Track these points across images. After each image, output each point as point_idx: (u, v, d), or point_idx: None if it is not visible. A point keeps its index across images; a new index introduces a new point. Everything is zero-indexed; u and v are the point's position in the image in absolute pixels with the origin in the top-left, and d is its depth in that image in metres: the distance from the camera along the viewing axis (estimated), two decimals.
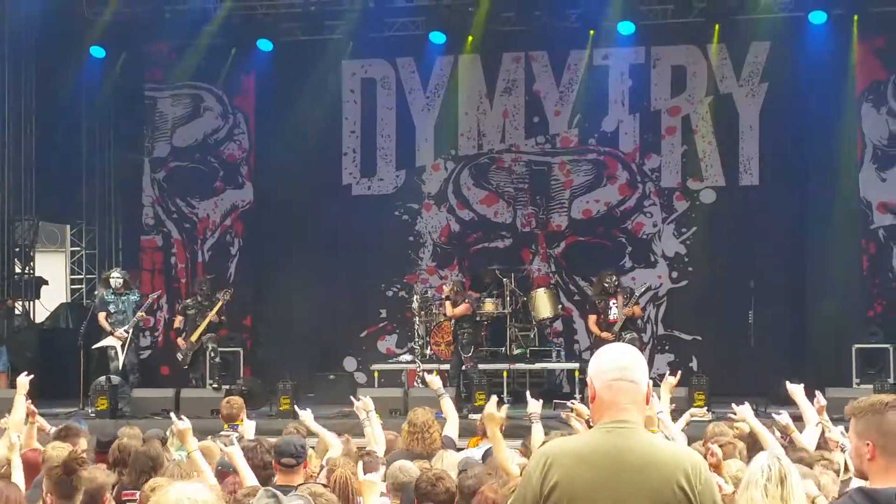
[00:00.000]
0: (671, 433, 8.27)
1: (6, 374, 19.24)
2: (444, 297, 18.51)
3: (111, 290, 18.40)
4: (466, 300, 18.32)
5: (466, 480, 7.35)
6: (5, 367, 19.28)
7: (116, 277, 18.43)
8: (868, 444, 4.42)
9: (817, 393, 8.96)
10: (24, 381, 10.02)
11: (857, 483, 4.85)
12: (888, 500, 4.08)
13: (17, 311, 20.96)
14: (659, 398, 10.06)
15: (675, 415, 9.94)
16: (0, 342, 19.52)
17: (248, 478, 7.80)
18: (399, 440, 10.26)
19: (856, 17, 19.81)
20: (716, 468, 7.65)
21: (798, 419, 9.05)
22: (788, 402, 9.27)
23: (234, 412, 11.46)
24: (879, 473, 4.35)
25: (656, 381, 18.54)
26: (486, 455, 8.95)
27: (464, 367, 18.15)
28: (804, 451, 8.02)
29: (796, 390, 9.01)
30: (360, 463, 7.41)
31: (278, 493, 6.00)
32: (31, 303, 21.57)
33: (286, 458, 7.92)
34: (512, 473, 7.65)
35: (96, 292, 21.34)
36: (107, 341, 18.19)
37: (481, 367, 18.43)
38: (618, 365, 4.65)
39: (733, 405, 9.01)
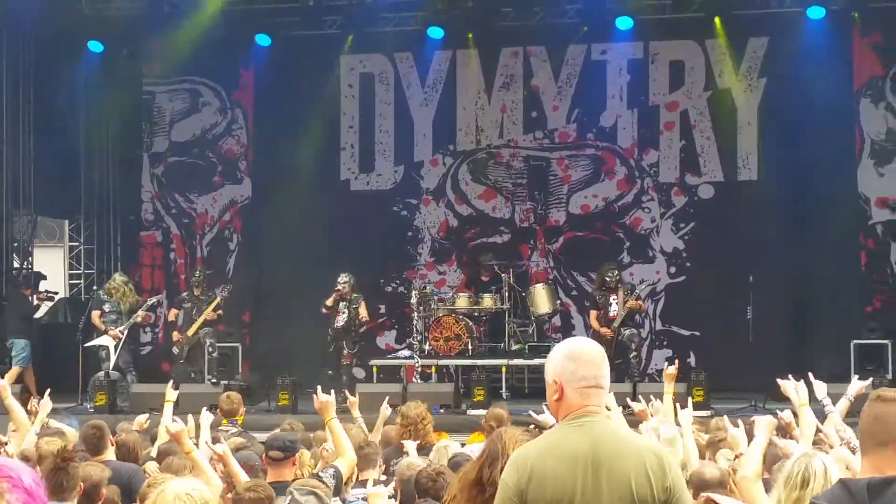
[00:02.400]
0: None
1: (29, 368, 19.18)
2: (339, 291, 18.16)
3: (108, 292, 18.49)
4: (361, 298, 18.36)
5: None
6: (27, 362, 19.15)
7: (116, 287, 18.44)
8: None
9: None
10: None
11: None
12: (858, 490, 4.18)
13: (40, 302, 20.97)
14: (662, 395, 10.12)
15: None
16: (27, 335, 19.45)
17: (240, 475, 7.78)
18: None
19: (856, 15, 19.83)
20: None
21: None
22: (786, 398, 9.21)
23: (234, 407, 11.51)
24: (863, 465, 4.43)
25: (654, 376, 18.57)
26: None
27: (345, 363, 18.19)
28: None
29: (787, 385, 8.91)
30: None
31: (317, 490, 5.99)
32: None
33: (273, 450, 7.91)
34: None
35: (94, 287, 21.40)
36: (100, 340, 18.19)
37: (480, 362, 18.44)
38: (594, 373, 4.70)
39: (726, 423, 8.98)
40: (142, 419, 10.74)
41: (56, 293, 21.22)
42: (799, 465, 5.52)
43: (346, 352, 18.32)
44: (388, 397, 11.53)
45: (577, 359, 4.72)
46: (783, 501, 5.48)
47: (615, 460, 4.52)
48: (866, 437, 4.40)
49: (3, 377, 10.34)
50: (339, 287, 18.17)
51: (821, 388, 8.79)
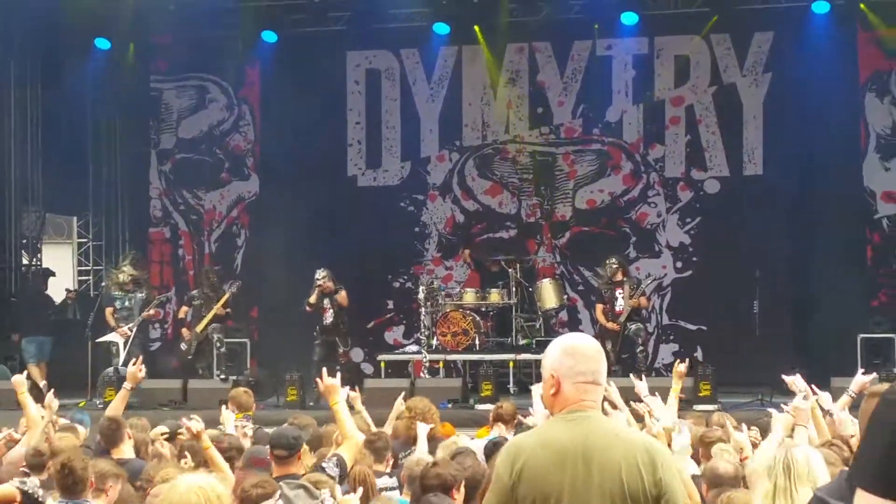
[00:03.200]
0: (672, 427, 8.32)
1: (45, 364, 19.42)
2: (322, 287, 18.28)
3: (119, 286, 18.52)
4: (343, 288, 18.42)
5: (464, 473, 7.39)
6: (43, 357, 19.45)
7: (124, 277, 18.49)
8: None
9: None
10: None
11: None
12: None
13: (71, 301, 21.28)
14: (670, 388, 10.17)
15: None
16: (48, 331, 19.74)
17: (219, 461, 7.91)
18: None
19: (862, 6, 19.84)
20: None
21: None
22: (793, 392, 9.26)
23: (249, 401, 11.64)
24: None
25: (661, 370, 18.61)
26: (489, 447, 8.98)
27: (342, 361, 18.23)
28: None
29: (795, 380, 8.96)
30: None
31: (306, 483, 6.04)
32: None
33: (278, 449, 7.99)
34: None
35: (103, 283, 21.51)
36: (109, 337, 18.27)
37: (487, 357, 18.49)
38: (592, 369, 4.72)
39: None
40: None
41: (77, 291, 21.54)
42: (779, 454, 5.55)
43: (341, 349, 18.41)
44: (403, 392, 11.60)
45: (574, 354, 4.74)
46: (769, 492, 5.51)
47: (606, 454, 4.54)
48: (861, 431, 4.46)
49: (21, 372, 10.44)
50: (320, 282, 18.24)
51: (825, 398, 8.83)
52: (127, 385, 10.59)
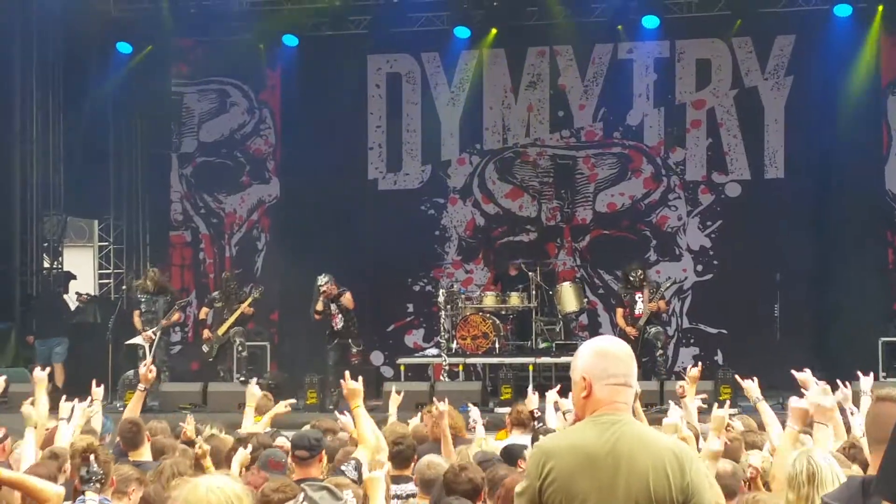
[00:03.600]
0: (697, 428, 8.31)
1: (61, 366, 19.49)
2: (327, 293, 18.28)
3: (143, 291, 18.63)
4: (346, 290, 18.42)
5: (499, 471, 7.37)
6: (57, 359, 19.50)
7: (150, 282, 18.59)
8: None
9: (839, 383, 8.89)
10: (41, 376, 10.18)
11: None
12: (855, 487, 4.25)
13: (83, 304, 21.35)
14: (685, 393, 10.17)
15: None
16: (62, 333, 19.80)
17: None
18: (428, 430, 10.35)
19: (880, 8, 19.78)
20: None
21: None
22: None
23: (270, 405, 11.67)
24: (871, 463, 4.49)
25: (681, 374, 18.57)
26: (508, 451, 8.97)
27: (354, 362, 18.21)
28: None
29: (805, 377, 8.87)
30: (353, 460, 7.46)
31: (329, 485, 6.05)
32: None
33: (299, 450, 7.99)
34: None
35: (123, 286, 21.58)
36: (135, 340, 18.44)
37: (507, 360, 18.47)
38: (623, 371, 4.69)
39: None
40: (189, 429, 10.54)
41: (90, 295, 21.57)
42: (801, 462, 5.53)
43: (354, 350, 18.42)
44: (393, 385, 11.59)
45: (606, 356, 4.71)
46: (793, 501, 5.50)
47: (634, 459, 4.52)
48: (869, 436, 4.46)
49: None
50: (324, 289, 18.23)
51: (847, 395, 8.77)
52: (141, 387, 10.66)
